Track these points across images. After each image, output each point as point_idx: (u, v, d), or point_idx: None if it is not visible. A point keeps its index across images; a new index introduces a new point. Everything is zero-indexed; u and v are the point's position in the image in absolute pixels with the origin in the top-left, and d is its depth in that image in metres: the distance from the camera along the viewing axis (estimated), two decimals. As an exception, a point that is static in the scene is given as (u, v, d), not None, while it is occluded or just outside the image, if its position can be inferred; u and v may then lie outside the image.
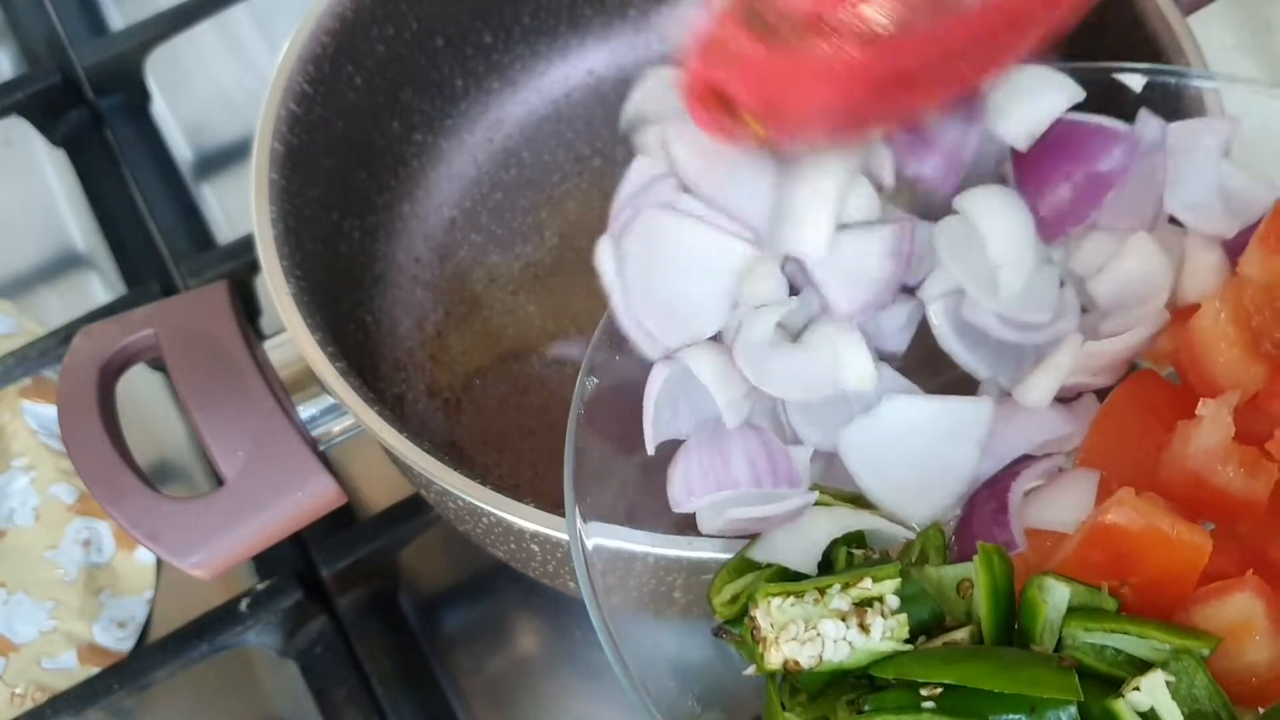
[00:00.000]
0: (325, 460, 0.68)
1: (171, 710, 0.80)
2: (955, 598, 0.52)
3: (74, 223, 0.99)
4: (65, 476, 0.84)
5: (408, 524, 0.80)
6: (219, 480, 0.67)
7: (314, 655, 0.79)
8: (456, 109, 0.89)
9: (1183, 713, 0.46)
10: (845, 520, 0.56)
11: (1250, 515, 0.51)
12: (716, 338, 0.58)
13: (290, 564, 0.80)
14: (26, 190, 1.01)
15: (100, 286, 0.96)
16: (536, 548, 0.66)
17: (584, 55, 0.92)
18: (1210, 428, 0.51)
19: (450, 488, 0.63)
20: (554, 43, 0.91)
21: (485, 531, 0.69)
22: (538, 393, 0.83)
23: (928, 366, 0.62)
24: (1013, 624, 0.51)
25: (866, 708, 0.48)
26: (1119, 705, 0.46)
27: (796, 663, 0.50)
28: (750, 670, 0.53)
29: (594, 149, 0.90)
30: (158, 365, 0.71)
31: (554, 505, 0.62)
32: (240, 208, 0.90)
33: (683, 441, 0.58)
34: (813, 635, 0.50)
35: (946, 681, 0.47)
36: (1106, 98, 0.62)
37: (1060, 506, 0.56)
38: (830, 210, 0.56)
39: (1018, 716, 0.46)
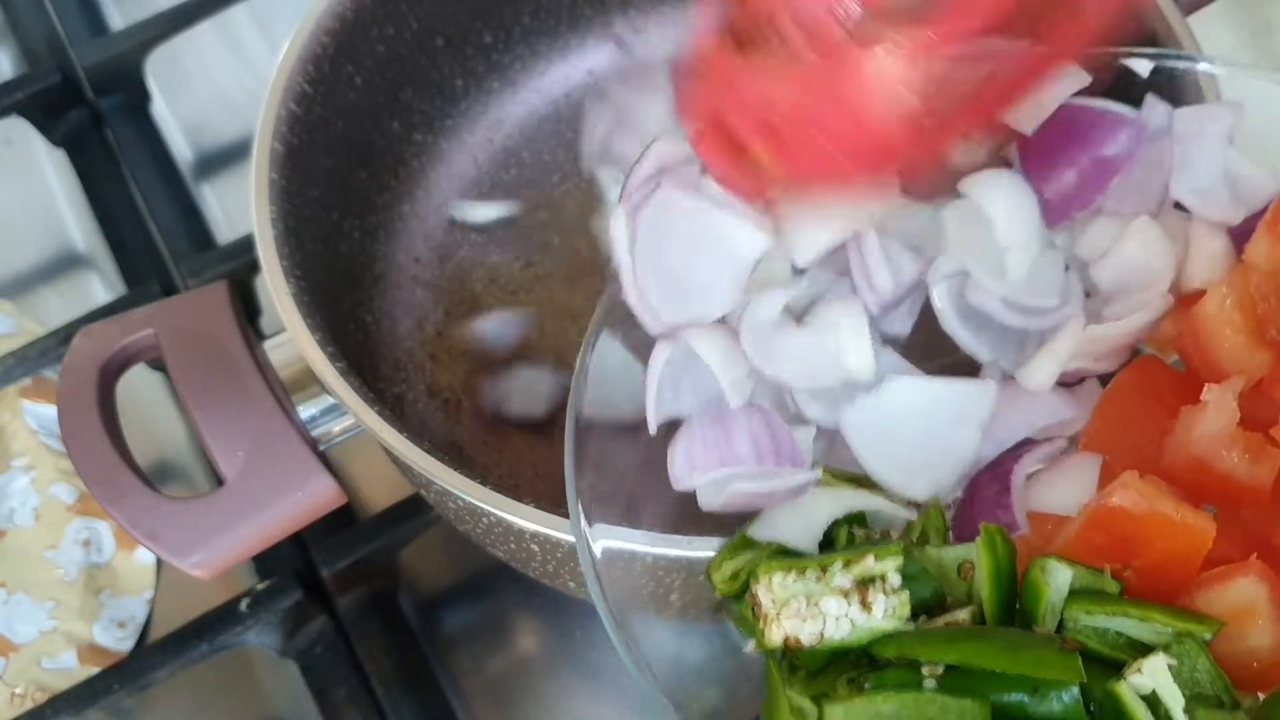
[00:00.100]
0: (325, 460, 0.68)
1: (171, 710, 0.80)
2: (956, 579, 0.52)
3: (74, 223, 0.99)
4: (65, 476, 0.84)
5: (408, 524, 0.80)
6: (219, 480, 0.67)
7: (314, 655, 0.79)
8: (456, 109, 0.89)
9: (1184, 696, 0.46)
10: (847, 500, 0.56)
11: (1254, 501, 0.51)
12: (720, 319, 0.59)
13: (290, 564, 0.80)
14: (26, 190, 1.01)
15: (100, 286, 0.96)
16: (536, 548, 0.66)
17: (584, 55, 0.92)
18: (1215, 413, 0.51)
19: (450, 488, 0.63)
20: (554, 43, 0.91)
21: (485, 531, 0.69)
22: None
23: (930, 349, 0.62)
24: (1014, 606, 0.51)
25: (867, 686, 0.48)
26: (1121, 687, 0.46)
27: (797, 640, 0.50)
28: (750, 647, 0.52)
29: (594, 149, 0.90)
30: (158, 365, 0.71)
31: (554, 505, 0.62)
32: (240, 208, 0.90)
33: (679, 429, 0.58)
34: (814, 612, 0.50)
35: (949, 661, 0.47)
36: (1113, 84, 0.62)
37: (1062, 490, 0.56)
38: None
39: (1020, 697, 0.46)
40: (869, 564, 0.50)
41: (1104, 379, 0.60)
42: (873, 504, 0.56)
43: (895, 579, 0.50)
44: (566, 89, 0.92)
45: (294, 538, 0.70)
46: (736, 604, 0.54)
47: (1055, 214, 0.60)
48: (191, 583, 0.68)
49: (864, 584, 0.50)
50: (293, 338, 0.69)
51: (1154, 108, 0.61)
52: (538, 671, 0.79)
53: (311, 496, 0.67)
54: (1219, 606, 0.49)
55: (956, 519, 0.57)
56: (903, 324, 0.62)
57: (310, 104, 0.77)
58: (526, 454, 0.81)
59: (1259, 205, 0.59)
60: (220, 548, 0.66)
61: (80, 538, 0.83)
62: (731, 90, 0.51)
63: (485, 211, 0.88)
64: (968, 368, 0.61)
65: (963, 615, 0.50)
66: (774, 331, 0.58)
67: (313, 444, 0.69)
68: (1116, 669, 0.47)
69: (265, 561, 0.79)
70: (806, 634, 0.50)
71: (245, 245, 0.84)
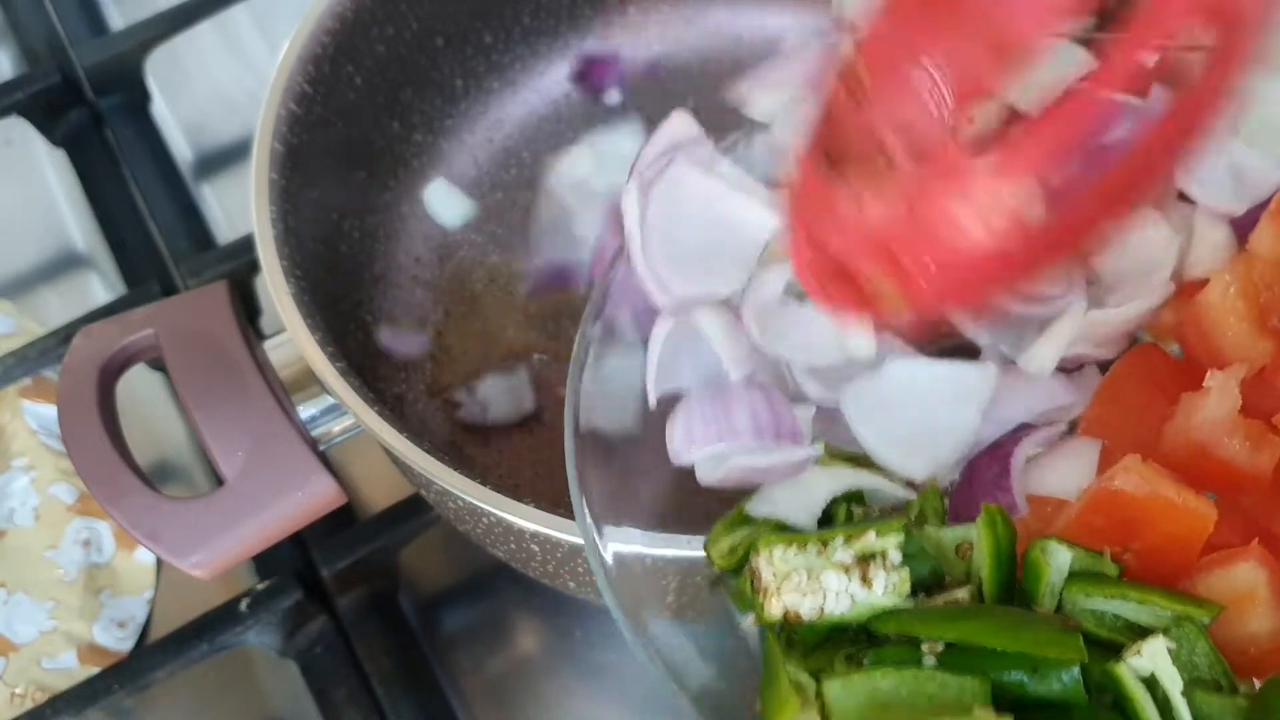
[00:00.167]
0: (325, 460, 0.68)
1: (171, 710, 0.80)
2: (954, 559, 0.52)
3: (74, 223, 0.99)
4: (65, 476, 0.84)
5: (408, 524, 0.80)
6: (219, 480, 0.67)
7: (314, 655, 0.79)
8: (456, 109, 0.89)
9: (1183, 679, 0.46)
10: (846, 479, 0.56)
11: (1253, 488, 0.51)
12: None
13: (290, 564, 0.80)
14: (26, 190, 1.01)
15: (100, 286, 0.96)
16: (536, 548, 0.66)
17: (584, 55, 0.92)
18: (1217, 399, 0.51)
19: (450, 488, 0.63)
20: (554, 43, 0.91)
21: (485, 531, 0.69)
22: (538, 392, 0.83)
23: (929, 332, 0.62)
24: (1013, 587, 0.50)
25: (865, 662, 0.48)
26: (1121, 669, 0.46)
27: (797, 614, 0.49)
28: (749, 620, 0.52)
29: (594, 149, 0.91)
30: (158, 365, 0.71)
31: (554, 505, 0.62)
32: (240, 208, 0.90)
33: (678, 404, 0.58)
34: (815, 586, 0.49)
35: (949, 639, 0.47)
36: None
37: (1061, 474, 0.56)
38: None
39: (1020, 676, 0.46)
40: (870, 540, 0.50)
41: (1103, 366, 0.60)
42: (872, 483, 0.56)
43: (896, 556, 0.50)
44: (566, 89, 0.92)
45: (294, 538, 0.70)
46: (733, 578, 0.54)
47: (1056, 200, 0.60)
48: (191, 583, 0.68)
49: (865, 560, 0.50)
50: (293, 338, 0.69)
51: (1158, 96, 0.61)
52: (538, 671, 0.79)
53: (311, 496, 0.67)
54: (1219, 591, 0.49)
55: (954, 501, 0.57)
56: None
57: (310, 104, 0.77)
58: (526, 454, 0.81)
59: (1263, 196, 0.58)
60: (220, 548, 0.66)
61: (80, 538, 0.83)
62: (832, 213, 0.48)
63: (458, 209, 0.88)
64: (968, 351, 0.61)
65: (961, 594, 0.50)
66: (776, 308, 0.58)
67: (313, 444, 0.69)
68: (1113, 652, 0.47)
69: (265, 561, 0.79)
70: (807, 608, 0.49)
71: (245, 245, 0.84)
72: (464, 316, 0.85)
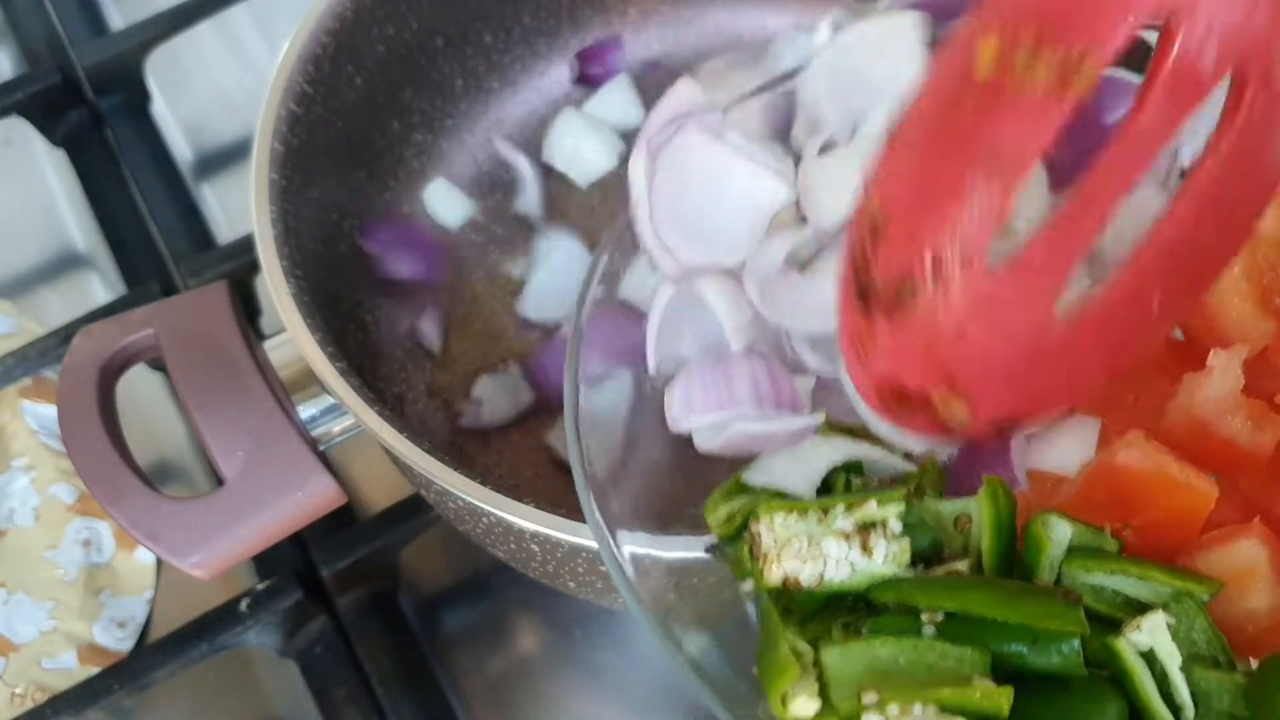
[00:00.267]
0: (325, 460, 0.68)
1: (171, 710, 0.80)
2: (953, 532, 0.52)
3: (74, 223, 0.99)
4: (65, 476, 0.84)
5: (408, 524, 0.80)
6: (219, 480, 0.67)
7: (314, 655, 0.79)
8: (456, 109, 0.89)
9: (1181, 655, 0.46)
10: (845, 449, 0.55)
11: (1253, 468, 0.51)
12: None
13: (290, 564, 0.80)
14: (26, 190, 1.01)
15: (100, 286, 0.96)
16: (536, 548, 0.66)
17: (584, 54, 0.92)
18: (1221, 377, 0.51)
19: (450, 488, 0.63)
20: (554, 43, 0.91)
21: (485, 531, 0.69)
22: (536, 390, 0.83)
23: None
24: (1013, 560, 0.50)
25: (864, 631, 0.48)
26: (1120, 644, 0.46)
27: (797, 580, 0.49)
28: (748, 586, 0.52)
29: (594, 149, 0.90)
30: (158, 365, 0.71)
31: (554, 505, 0.62)
32: (240, 208, 0.91)
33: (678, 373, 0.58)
34: (815, 553, 0.49)
35: (949, 609, 0.47)
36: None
37: (1061, 450, 0.56)
38: None
39: (1019, 647, 0.46)
40: (871, 508, 0.50)
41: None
42: (871, 454, 0.56)
43: (896, 525, 0.50)
44: (566, 89, 0.92)
45: (294, 538, 0.70)
46: (731, 546, 0.54)
47: (1059, 179, 0.60)
48: (191, 583, 0.68)
49: (865, 529, 0.50)
50: (293, 338, 0.69)
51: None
52: (538, 671, 0.79)
53: (311, 496, 0.67)
54: (1219, 568, 0.49)
55: (953, 475, 0.57)
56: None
57: (310, 104, 0.77)
58: (526, 454, 0.81)
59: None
60: (220, 548, 0.66)
61: (80, 538, 0.83)
62: (874, 343, 0.49)
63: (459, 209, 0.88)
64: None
65: (961, 566, 0.50)
66: (779, 277, 0.58)
67: (313, 444, 0.69)
68: (1112, 627, 0.47)
69: (265, 561, 0.79)
70: (806, 575, 0.49)
71: (245, 245, 0.84)
72: (464, 316, 0.85)
